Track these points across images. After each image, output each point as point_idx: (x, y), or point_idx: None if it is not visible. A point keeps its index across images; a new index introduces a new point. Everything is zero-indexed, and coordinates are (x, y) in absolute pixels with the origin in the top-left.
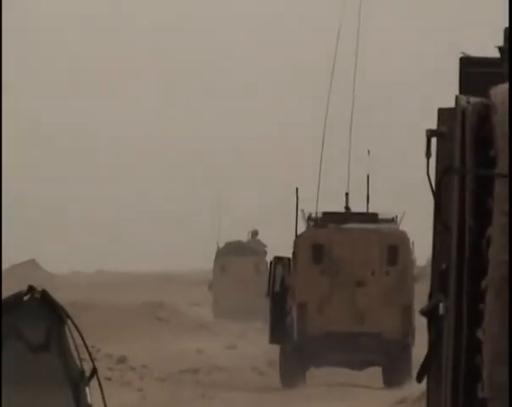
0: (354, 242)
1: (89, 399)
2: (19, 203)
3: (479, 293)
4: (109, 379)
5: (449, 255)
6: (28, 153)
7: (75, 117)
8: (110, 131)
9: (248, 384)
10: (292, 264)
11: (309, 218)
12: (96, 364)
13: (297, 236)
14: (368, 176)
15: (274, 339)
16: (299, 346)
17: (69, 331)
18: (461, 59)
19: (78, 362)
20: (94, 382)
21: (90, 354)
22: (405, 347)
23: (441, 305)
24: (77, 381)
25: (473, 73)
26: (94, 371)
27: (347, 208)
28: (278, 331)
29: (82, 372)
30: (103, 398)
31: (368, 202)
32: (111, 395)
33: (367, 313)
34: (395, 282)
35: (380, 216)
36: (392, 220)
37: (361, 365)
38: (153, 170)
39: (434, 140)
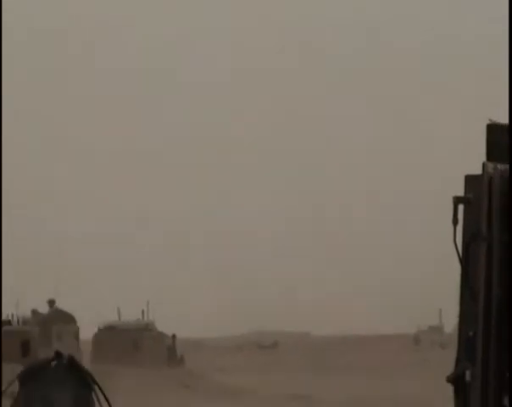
0: None
1: None
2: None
3: (506, 361)
4: None
5: (476, 322)
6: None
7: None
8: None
9: None
10: None
11: None
12: None
13: None
14: None
15: None
16: None
17: (97, 397)
18: (488, 126)
19: None
20: None
21: None
22: None
23: (467, 372)
24: None
25: (500, 140)
26: None
27: None
28: None
29: None
30: None
31: None
32: None
33: None
34: None
35: None
36: None
37: None
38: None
39: (461, 207)
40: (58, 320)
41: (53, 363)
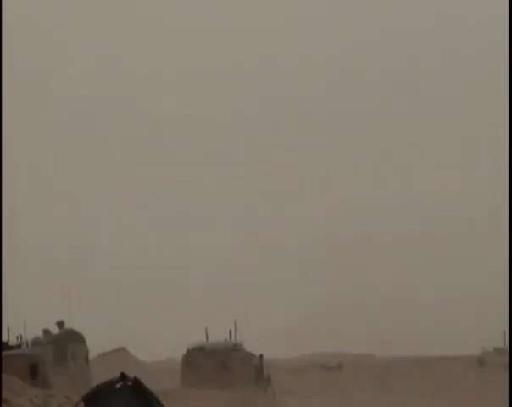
0: None
1: None
2: (114, 291)
3: None
4: None
5: None
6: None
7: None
8: None
9: None
10: None
11: None
12: None
13: None
14: None
15: None
16: None
17: None
18: None
19: None
20: None
21: None
22: None
23: None
24: None
25: None
26: None
27: None
28: None
29: None
30: None
31: None
32: None
33: None
34: None
35: None
36: None
37: None
38: None
39: None
40: (71, 339)
41: (118, 385)
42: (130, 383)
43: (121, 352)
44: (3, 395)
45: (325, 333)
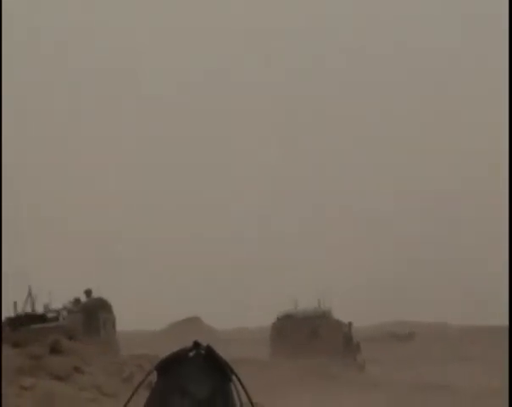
0: None
1: None
2: (186, 259)
3: None
4: None
5: None
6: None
7: None
8: None
9: None
10: None
11: None
12: None
13: None
14: None
15: None
16: None
17: (235, 388)
18: None
19: None
20: None
21: None
22: None
23: None
24: None
25: None
26: None
27: None
28: None
29: None
30: None
31: None
32: None
33: None
34: None
35: None
36: None
37: None
38: None
39: None
40: (101, 308)
41: (191, 353)
42: (203, 352)
43: (194, 321)
44: (75, 364)
45: (396, 302)
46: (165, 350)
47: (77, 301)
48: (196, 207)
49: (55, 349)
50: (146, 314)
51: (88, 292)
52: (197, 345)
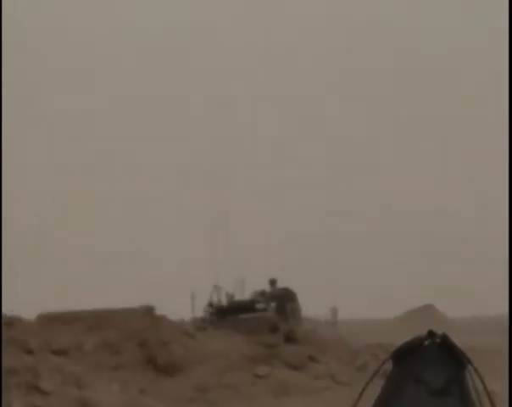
0: None
1: None
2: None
3: None
4: None
5: None
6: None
7: None
8: None
9: None
10: None
11: None
12: None
13: None
14: None
15: None
16: None
17: (470, 376)
18: None
19: None
20: None
21: (491, 400)
22: None
23: None
24: None
25: None
26: None
27: None
28: None
29: None
30: None
31: None
32: None
33: None
34: None
35: None
36: None
37: None
38: None
39: None
40: (288, 297)
41: (426, 342)
42: (438, 340)
43: (428, 309)
44: (309, 353)
45: None
46: (398, 339)
47: (263, 292)
48: None
49: (290, 338)
50: (376, 301)
51: (273, 282)
52: (431, 334)
